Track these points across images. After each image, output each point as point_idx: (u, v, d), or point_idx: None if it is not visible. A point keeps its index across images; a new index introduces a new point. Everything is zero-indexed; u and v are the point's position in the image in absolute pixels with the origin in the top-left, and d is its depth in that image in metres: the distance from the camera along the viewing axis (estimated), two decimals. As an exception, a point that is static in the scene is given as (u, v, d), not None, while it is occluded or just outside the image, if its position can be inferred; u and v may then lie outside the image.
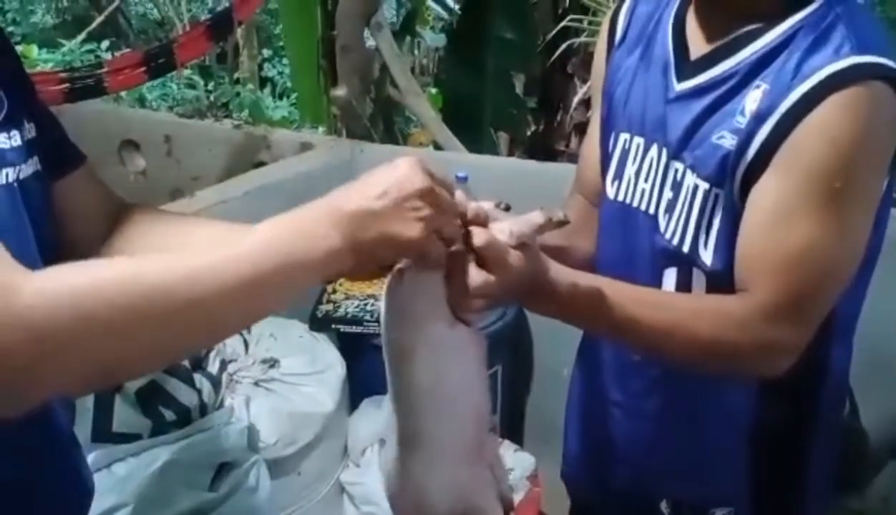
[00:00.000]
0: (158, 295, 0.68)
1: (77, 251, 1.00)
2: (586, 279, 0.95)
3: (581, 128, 4.10)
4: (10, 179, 0.83)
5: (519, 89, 4.17)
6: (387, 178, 0.78)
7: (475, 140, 3.69)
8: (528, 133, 4.22)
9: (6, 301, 0.63)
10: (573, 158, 3.78)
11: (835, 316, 1.05)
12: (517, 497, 2.05)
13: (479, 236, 0.84)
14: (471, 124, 3.85)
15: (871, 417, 1.49)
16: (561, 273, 0.92)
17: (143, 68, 2.70)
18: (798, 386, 1.08)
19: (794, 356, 1.00)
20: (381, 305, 0.89)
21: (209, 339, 0.79)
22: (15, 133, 0.86)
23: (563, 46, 3.73)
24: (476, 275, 0.84)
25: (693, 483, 1.18)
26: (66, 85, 2.60)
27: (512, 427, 2.44)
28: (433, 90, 4.48)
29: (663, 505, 1.19)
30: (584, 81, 3.93)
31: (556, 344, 2.42)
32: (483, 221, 0.85)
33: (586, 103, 4.02)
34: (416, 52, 5.05)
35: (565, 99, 4.10)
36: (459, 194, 0.87)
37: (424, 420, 0.89)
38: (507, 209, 0.90)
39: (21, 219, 0.83)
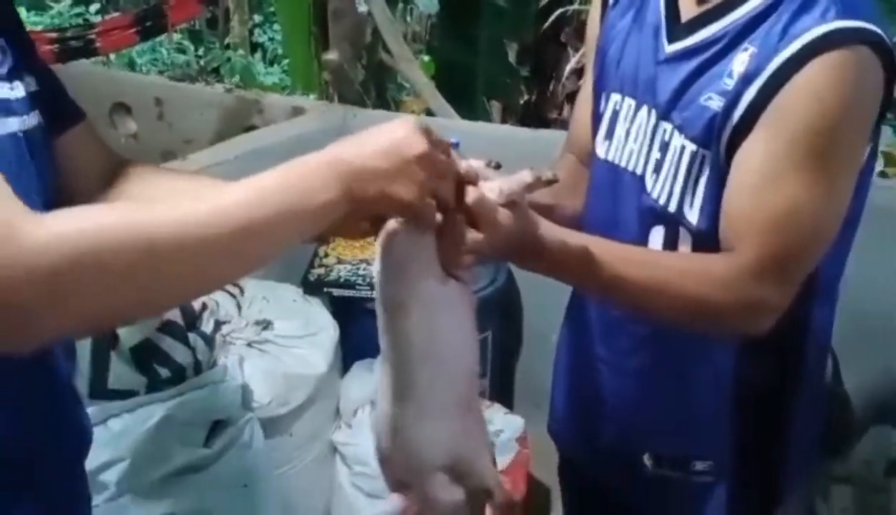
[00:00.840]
0: (159, 240, 0.69)
1: (76, 205, 1.02)
2: (575, 237, 0.98)
3: (573, 98, 4.10)
4: (16, 129, 0.83)
5: (512, 58, 4.16)
6: (388, 139, 0.80)
7: (468, 108, 3.69)
8: (521, 102, 4.22)
9: (9, 238, 0.63)
10: (565, 126, 3.78)
11: (817, 275, 1.07)
12: (507, 459, 2.08)
13: (469, 194, 0.86)
14: (464, 93, 3.84)
15: (854, 383, 1.52)
16: (550, 230, 0.95)
17: (134, 29, 2.69)
18: (781, 344, 1.11)
19: (776, 314, 1.02)
20: (375, 262, 0.91)
21: (207, 284, 0.79)
22: (18, 84, 0.86)
23: (556, 14, 3.72)
24: (465, 233, 0.86)
25: (675, 438, 1.21)
26: (56, 45, 2.58)
27: (502, 390, 2.47)
28: (426, 58, 4.46)
29: (646, 458, 1.22)
30: (577, 50, 3.92)
31: (545, 309, 2.44)
32: (473, 180, 0.87)
33: (579, 72, 4.01)
34: (408, 18, 5.01)
35: (558, 68, 4.09)
36: (452, 154, 0.89)
37: (418, 373, 0.91)
38: (498, 167, 0.92)
39: (28, 170, 0.84)
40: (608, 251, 0.99)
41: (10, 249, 0.63)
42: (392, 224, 0.88)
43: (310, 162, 0.78)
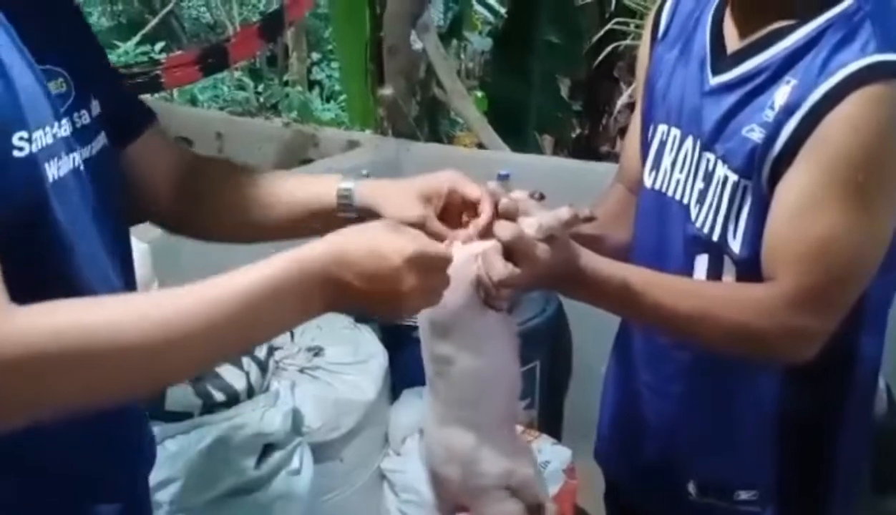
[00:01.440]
0: (116, 343, 0.70)
1: (153, 209, 1.07)
2: (616, 267, 1.00)
3: (626, 132, 4.11)
4: (78, 163, 0.86)
5: (564, 93, 4.19)
6: (380, 267, 0.81)
7: (520, 143, 3.73)
8: (573, 136, 4.24)
9: None
10: (618, 160, 3.79)
11: (864, 304, 1.07)
12: (554, 489, 2.07)
13: (505, 230, 0.90)
14: (516, 127, 3.89)
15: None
16: (592, 261, 0.98)
17: (197, 66, 2.79)
18: (826, 373, 1.10)
19: (819, 343, 1.02)
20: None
21: (166, 380, 0.83)
22: (83, 113, 0.90)
23: (609, 49, 3.74)
24: (502, 268, 0.90)
25: (720, 465, 1.20)
26: (123, 80, 2.69)
27: (550, 421, 2.47)
28: (479, 93, 4.52)
29: (690, 486, 1.21)
30: (629, 85, 3.94)
31: (594, 340, 2.44)
32: (512, 215, 0.92)
33: (631, 106, 4.02)
34: (462, 55, 5.10)
35: (610, 102, 4.11)
36: (493, 185, 0.94)
37: (467, 398, 0.96)
38: (542, 198, 0.96)
39: (88, 198, 0.87)
40: (649, 281, 1.01)
41: None
42: None
43: (304, 281, 0.79)
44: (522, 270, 0.91)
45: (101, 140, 0.92)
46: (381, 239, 0.82)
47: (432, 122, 3.58)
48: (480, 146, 3.38)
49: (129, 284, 0.96)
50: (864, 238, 1.00)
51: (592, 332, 2.48)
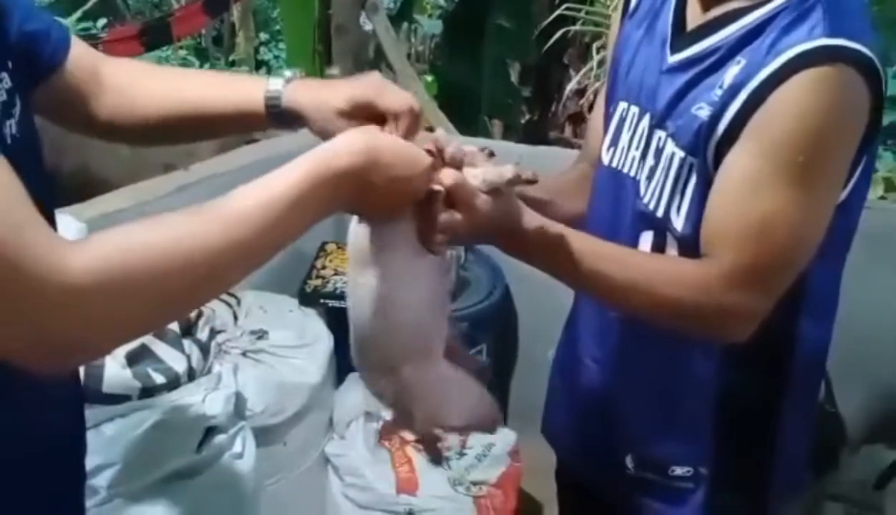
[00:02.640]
0: (199, 255, 0.73)
1: (86, 122, 1.05)
2: (557, 229, 1.00)
3: (575, 118, 4.13)
4: (14, 131, 0.82)
5: (514, 78, 4.20)
6: (405, 169, 0.87)
7: (470, 127, 3.72)
8: (523, 121, 4.25)
9: (55, 282, 0.65)
10: (567, 147, 3.80)
11: (804, 288, 1.08)
12: (498, 472, 2.08)
13: (449, 177, 0.91)
14: (466, 112, 3.88)
15: (846, 402, 1.53)
16: (534, 220, 0.98)
17: (139, 40, 2.71)
18: (763, 356, 1.11)
19: (753, 323, 1.03)
20: (351, 229, 0.97)
21: (231, 284, 0.84)
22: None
23: (558, 35, 3.75)
24: (442, 213, 0.91)
25: (657, 440, 1.22)
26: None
27: (496, 404, 2.47)
28: (428, 78, 4.50)
29: (628, 460, 1.24)
30: (579, 71, 3.96)
31: (540, 325, 2.45)
32: (457, 163, 0.92)
33: (580, 93, 4.05)
34: (412, 38, 5.06)
35: (560, 88, 4.13)
36: (441, 133, 0.94)
37: (371, 332, 0.98)
38: (491, 155, 0.96)
39: (26, 173, 0.83)
40: (588, 247, 1.02)
41: (51, 281, 0.65)
42: None
43: (337, 184, 0.82)
44: (462, 217, 0.91)
45: (17, 111, 0.85)
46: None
47: (381, 105, 3.54)
48: (430, 130, 3.36)
49: None
50: (802, 219, 1.00)
51: (539, 317, 2.50)
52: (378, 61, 3.34)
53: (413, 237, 0.94)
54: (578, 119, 4.13)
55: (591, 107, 3.97)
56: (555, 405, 1.42)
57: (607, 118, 1.25)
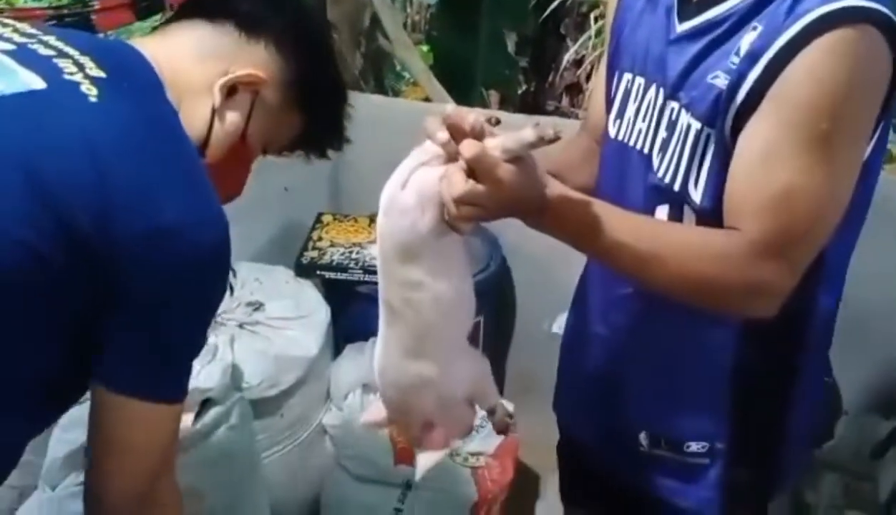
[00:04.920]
0: None
1: None
2: (581, 198, 0.96)
3: (572, 89, 4.10)
4: None
5: (511, 48, 4.15)
6: None
7: (466, 98, 3.68)
8: (519, 92, 4.22)
9: None
10: (564, 116, 3.78)
11: (823, 261, 1.06)
12: (495, 443, 2.08)
13: (470, 148, 0.86)
14: (462, 82, 3.83)
15: (842, 372, 1.52)
16: (557, 189, 0.94)
17: (132, 8, 2.66)
18: (782, 330, 1.09)
19: (780, 297, 1.00)
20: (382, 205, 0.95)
21: None
22: None
23: (555, 5, 3.71)
24: (462, 184, 0.87)
25: (672, 417, 1.20)
26: (52, 22, 2.56)
27: (493, 375, 2.47)
28: (424, 48, 4.45)
29: (642, 437, 1.22)
30: (576, 41, 3.92)
31: (538, 296, 2.45)
32: (478, 135, 0.88)
33: (577, 63, 4.01)
34: (408, 8, 5.00)
35: (557, 59, 4.09)
36: (452, 107, 0.91)
37: (436, 324, 0.98)
38: (498, 123, 0.92)
39: None
40: (614, 217, 0.98)
41: None
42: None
43: None
44: (484, 189, 0.87)
45: None
46: None
47: (377, 75, 3.51)
48: (426, 99, 3.33)
49: None
50: (826, 189, 0.98)
51: (536, 288, 2.50)
52: (374, 30, 3.30)
53: (442, 223, 0.91)
54: (576, 89, 4.10)
55: (588, 78, 3.94)
56: (566, 384, 1.40)
57: (610, 89, 1.22)
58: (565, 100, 4.12)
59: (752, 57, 0.98)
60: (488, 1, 3.81)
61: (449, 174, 0.89)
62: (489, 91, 4.09)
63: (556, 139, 0.89)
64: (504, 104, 4.17)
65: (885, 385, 2.08)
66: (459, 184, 0.87)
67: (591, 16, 3.86)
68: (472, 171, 0.87)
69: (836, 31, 0.93)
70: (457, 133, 0.88)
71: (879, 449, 2.00)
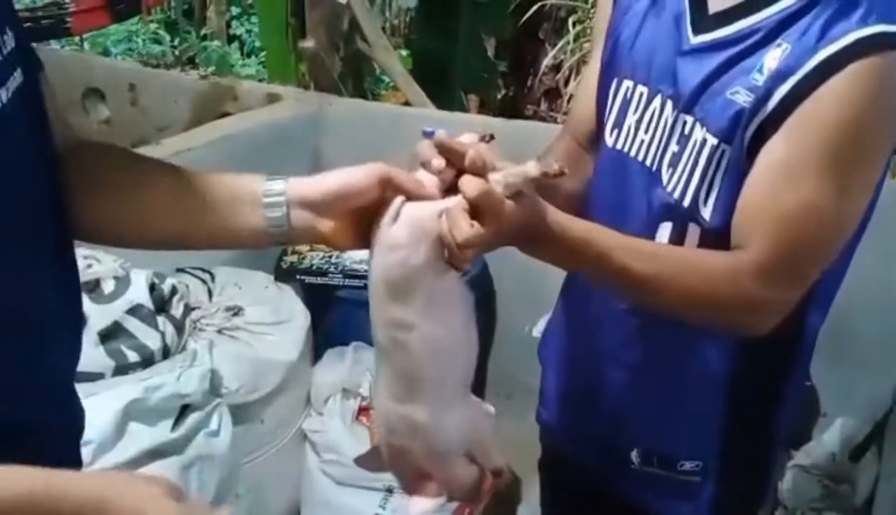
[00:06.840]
0: None
1: None
2: (582, 227, 0.95)
3: (550, 93, 4.12)
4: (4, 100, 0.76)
5: (490, 52, 4.16)
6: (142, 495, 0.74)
7: (445, 102, 3.68)
8: (499, 96, 4.23)
9: None
10: (542, 121, 3.79)
11: (820, 281, 1.05)
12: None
13: (473, 188, 0.83)
14: (441, 86, 3.83)
15: (821, 375, 1.53)
16: (558, 219, 0.92)
17: (107, 10, 2.64)
18: (776, 347, 1.08)
19: (780, 315, 1.00)
20: (373, 256, 0.87)
21: None
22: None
23: (534, 9, 3.72)
24: (467, 227, 0.82)
25: (665, 435, 1.19)
26: (27, 24, 2.53)
27: (473, 380, 2.47)
28: (403, 53, 4.45)
29: (633, 455, 1.20)
30: (554, 46, 3.94)
31: (519, 300, 2.45)
32: (479, 170, 0.84)
33: (556, 68, 4.03)
34: (387, 12, 5.00)
35: (536, 63, 4.11)
36: (443, 134, 0.86)
37: (429, 370, 0.89)
38: (491, 139, 0.88)
39: (21, 141, 0.79)
40: (616, 243, 0.97)
41: None
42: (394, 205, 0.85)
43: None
44: (488, 228, 0.83)
45: (16, 78, 0.80)
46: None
47: (357, 80, 3.50)
48: (405, 103, 3.33)
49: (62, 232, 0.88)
50: (837, 214, 0.97)
51: (517, 292, 2.49)
52: (353, 34, 3.29)
53: (440, 261, 0.85)
54: (554, 94, 4.11)
55: (566, 82, 3.96)
56: (551, 395, 1.36)
57: (605, 95, 1.18)
58: (544, 105, 4.14)
59: (780, 75, 0.96)
60: (467, 5, 3.82)
61: (452, 216, 0.83)
62: (468, 95, 4.10)
63: (561, 174, 0.86)
64: (483, 108, 4.18)
65: (862, 388, 2.10)
66: (465, 229, 0.82)
67: (570, 20, 3.88)
68: (474, 209, 0.83)
69: (870, 58, 0.92)
70: (453, 158, 0.85)
71: (859, 451, 2.01)
